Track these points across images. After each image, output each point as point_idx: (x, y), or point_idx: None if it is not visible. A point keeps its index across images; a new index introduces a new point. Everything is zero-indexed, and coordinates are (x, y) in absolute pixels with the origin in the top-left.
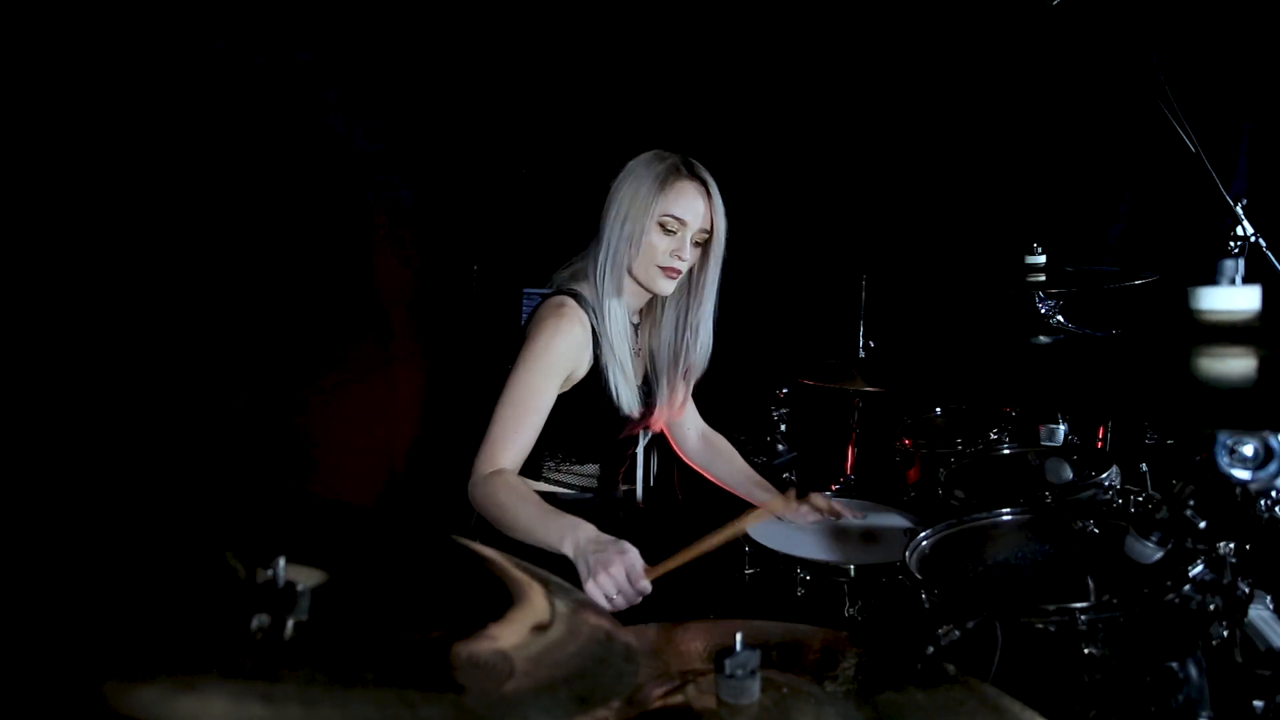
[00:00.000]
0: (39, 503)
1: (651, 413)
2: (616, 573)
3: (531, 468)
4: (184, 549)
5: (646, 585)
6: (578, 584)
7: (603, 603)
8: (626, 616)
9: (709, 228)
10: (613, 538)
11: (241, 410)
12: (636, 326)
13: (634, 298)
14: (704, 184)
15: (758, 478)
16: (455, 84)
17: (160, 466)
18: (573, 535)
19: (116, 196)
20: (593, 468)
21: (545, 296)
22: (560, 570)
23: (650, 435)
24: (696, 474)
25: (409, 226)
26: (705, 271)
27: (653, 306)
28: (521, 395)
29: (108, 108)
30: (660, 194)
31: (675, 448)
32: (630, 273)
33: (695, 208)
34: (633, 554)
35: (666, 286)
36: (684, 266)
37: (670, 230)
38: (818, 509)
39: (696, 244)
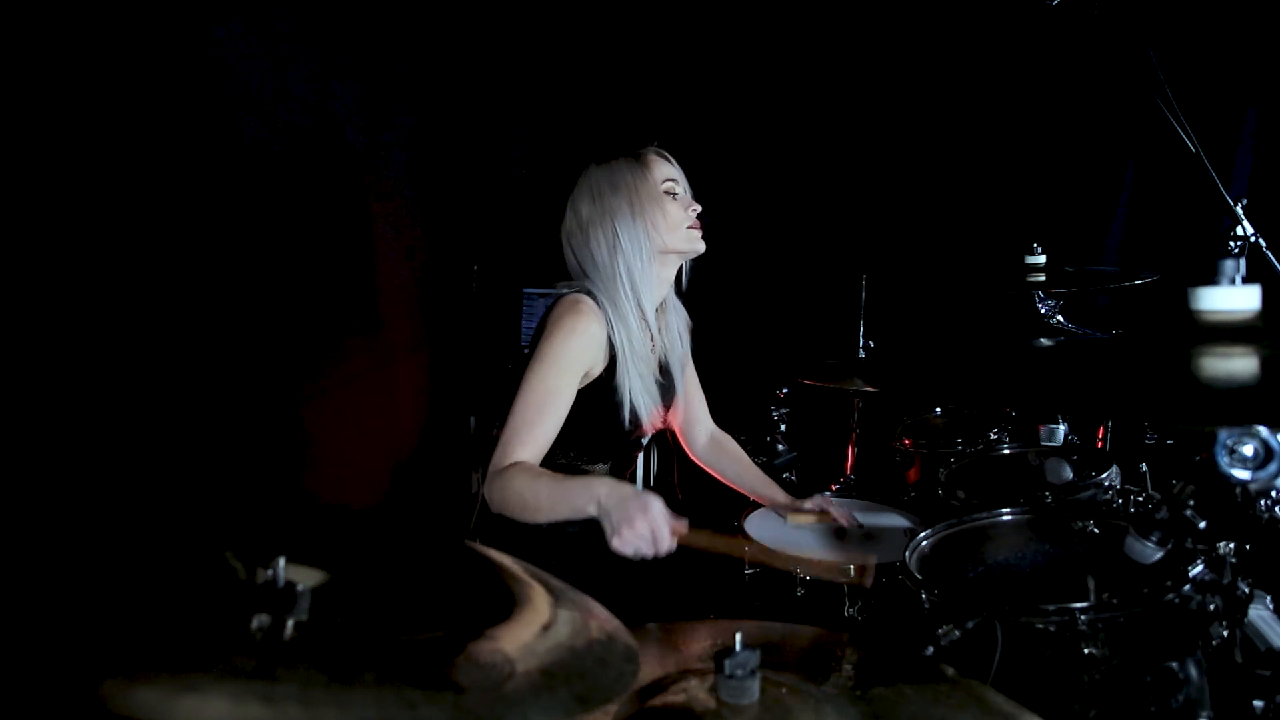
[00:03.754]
0: (40, 503)
1: (669, 408)
2: (641, 528)
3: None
4: (184, 549)
5: (671, 542)
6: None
7: (631, 555)
8: (627, 617)
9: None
10: (634, 489)
11: (242, 410)
12: (650, 328)
13: (659, 288)
14: (659, 151)
15: (764, 477)
16: (456, 84)
17: (160, 467)
18: (595, 494)
19: (115, 196)
20: (602, 467)
21: (558, 296)
22: (580, 567)
23: (650, 434)
24: (696, 472)
25: (409, 226)
26: None
27: (663, 306)
28: (539, 394)
29: (105, 106)
30: (644, 170)
31: (685, 448)
32: (665, 251)
33: (674, 169)
34: (655, 508)
35: (702, 241)
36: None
37: (674, 192)
38: (812, 511)
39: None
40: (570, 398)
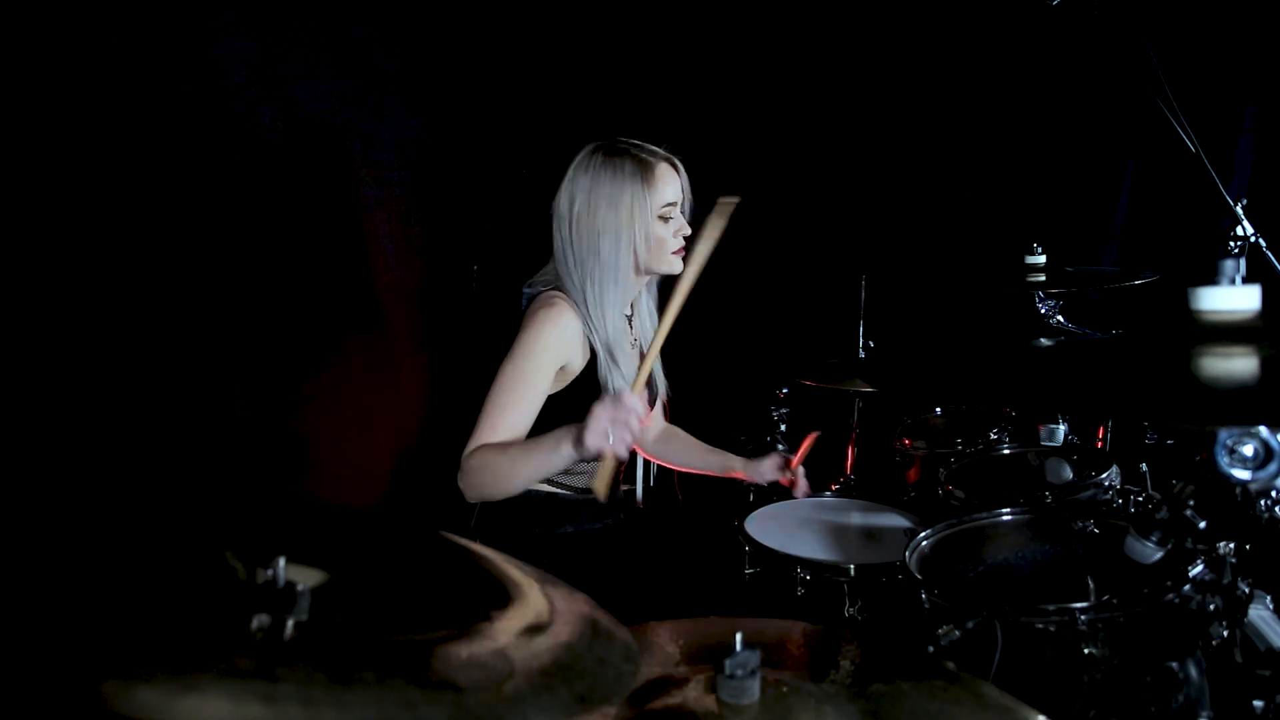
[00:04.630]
0: (39, 503)
1: (653, 403)
2: (600, 412)
3: None
4: (184, 549)
5: (635, 402)
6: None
7: (606, 447)
8: (627, 616)
9: (689, 196)
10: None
11: (242, 410)
12: (629, 318)
13: (630, 293)
14: (671, 161)
15: (712, 448)
16: (456, 83)
17: (160, 467)
18: (566, 435)
19: (115, 196)
20: (593, 464)
21: (533, 295)
22: (580, 567)
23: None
24: (696, 474)
25: (409, 226)
26: None
27: (637, 301)
28: (511, 384)
29: (105, 105)
30: (649, 189)
31: (636, 448)
32: (643, 272)
33: (678, 186)
34: (627, 396)
35: (681, 263)
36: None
37: (669, 217)
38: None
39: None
40: (544, 388)
